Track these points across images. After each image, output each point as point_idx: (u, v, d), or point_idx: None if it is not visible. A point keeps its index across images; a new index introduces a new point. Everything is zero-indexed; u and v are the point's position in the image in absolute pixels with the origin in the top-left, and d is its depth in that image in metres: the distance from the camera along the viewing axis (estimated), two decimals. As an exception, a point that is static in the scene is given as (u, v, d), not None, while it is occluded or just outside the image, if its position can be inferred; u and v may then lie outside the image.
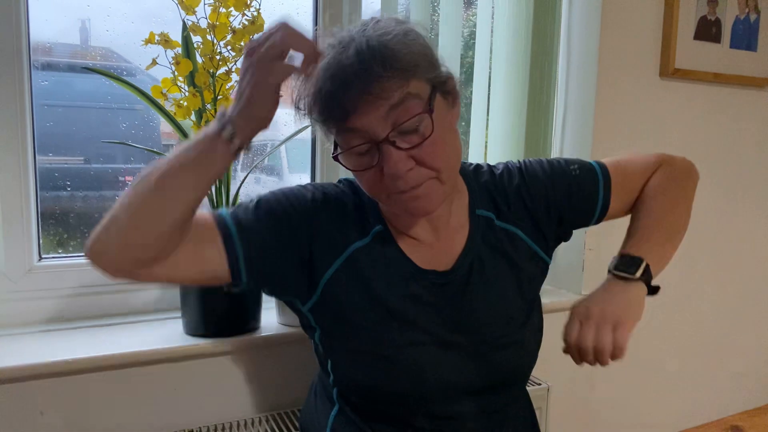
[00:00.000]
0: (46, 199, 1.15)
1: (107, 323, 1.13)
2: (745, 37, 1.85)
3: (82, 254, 1.17)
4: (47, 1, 1.10)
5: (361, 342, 0.79)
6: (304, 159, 1.38)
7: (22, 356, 0.95)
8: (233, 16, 0.99)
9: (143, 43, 0.97)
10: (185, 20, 0.99)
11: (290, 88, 0.75)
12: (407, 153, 0.71)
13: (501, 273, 0.84)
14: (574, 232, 0.94)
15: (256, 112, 0.66)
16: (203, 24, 0.98)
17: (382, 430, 0.83)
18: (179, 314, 1.11)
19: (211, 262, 0.74)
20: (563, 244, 0.95)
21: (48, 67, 1.13)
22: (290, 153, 1.42)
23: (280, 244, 0.78)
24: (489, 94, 1.48)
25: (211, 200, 1.06)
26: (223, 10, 0.98)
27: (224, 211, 0.78)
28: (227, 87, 1.02)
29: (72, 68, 1.17)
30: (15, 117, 1.05)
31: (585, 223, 0.92)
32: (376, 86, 0.67)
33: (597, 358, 0.77)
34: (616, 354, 0.76)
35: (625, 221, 0.92)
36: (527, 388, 1.02)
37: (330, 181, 0.97)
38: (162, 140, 1.26)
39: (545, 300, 0.94)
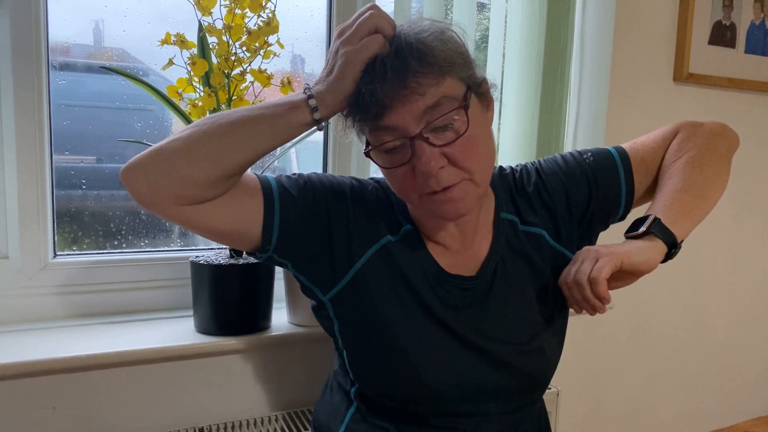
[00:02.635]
0: (61, 197, 1.16)
1: (120, 320, 1.14)
2: (760, 43, 1.84)
3: (96, 252, 1.20)
4: (65, 1, 1.12)
5: (385, 335, 0.79)
6: (316, 161, 1.39)
7: (36, 351, 0.96)
8: (248, 17, 1.00)
9: (159, 43, 0.98)
10: (201, 21, 1.00)
11: None
12: (440, 150, 0.70)
13: (524, 277, 0.83)
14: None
15: (343, 86, 0.70)
16: (219, 25, 0.99)
17: (399, 428, 0.83)
18: (191, 312, 1.12)
19: (247, 216, 0.74)
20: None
21: (66, 67, 1.15)
22: (300, 154, 1.43)
23: (316, 222, 0.78)
24: (501, 97, 1.48)
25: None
26: (238, 11, 0.99)
27: (269, 174, 0.80)
28: (242, 87, 1.03)
29: (89, 68, 1.19)
30: (33, 116, 1.07)
31: (615, 209, 0.87)
32: (412, 81, 0.68)
33: (581, 292, 0.74)
34: (592, 287, 0.72)
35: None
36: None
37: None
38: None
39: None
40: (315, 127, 0.73)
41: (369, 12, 0.71)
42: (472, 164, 0.72)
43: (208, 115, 0.74)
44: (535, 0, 1.42)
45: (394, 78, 0.68)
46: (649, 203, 0.83)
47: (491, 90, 0.78)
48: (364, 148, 0.77)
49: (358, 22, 0.71)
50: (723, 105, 1.82)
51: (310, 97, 0.71)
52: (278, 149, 1.27)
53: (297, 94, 0.72)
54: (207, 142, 0.69)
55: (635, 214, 0.84)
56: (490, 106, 0.79)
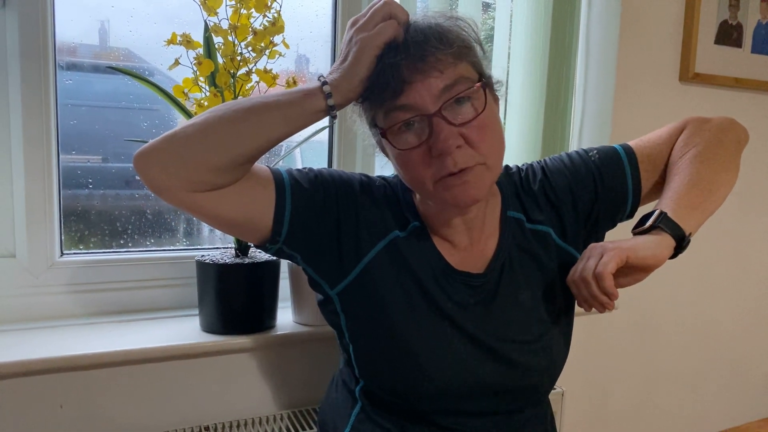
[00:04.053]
0: (68, 196, 1.17)
1: (126, 319, 1.14)
2: (766, 42, 1.83)
3: (102, 251, 1.20)
4: (72, 1, 1.13)
5: (391, 329, 0.79)
6: (321, 161, 1.39)
7: (43, 350, 0.97)
8: (254, 17, 1.01)
9: (165, 43, 0.99)
10: (207, 21, 1.00)
11: None
12: (458, 130, 0.71)
13: (531, 276, 0.83)
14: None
15: (358, 70, 0.72)
16: (224, 25, 1.00)
17: (404, 427, 0.83)
18: (196, 311, 1.12)
19: (258, 206, 0.75)
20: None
21: (72, 67, 1.15)
22: (305, 154, 1.43)
23: (326, 215, 0.79)
24: (506, 97, 1.48)
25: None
26: (244, 11, 0.99)
27: (280, 167, 0.81)
28: (247, 87, 1.03)
29: (96, 68, 1.19)
30: (41, 116, 1.07)
31: (622, 206, 0.86)
32: (432, 56, 0.70)
33: (588, 289, 0.73)
34: (599, 282, 0.71)
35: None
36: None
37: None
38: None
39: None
40: (328, 116, 0.74)
41: (382, 1, 0.73)
42: (487, 146, 0.73)
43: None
44: (541, -1, 1.42)
45: (416, 54, 0.70)
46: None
47: (496, 86, 0.79)
48: (377, 140, 0.77)
49: (372, 10, 0.72)
50: (729, 105, 1.81)
51: (324, 83, 0.72)
52: (283, 149, 1.28)
53: (311, 82, 0.73)
54: (221, 128, 0.69)
55: (644, 212, 0.84)
56: (497, 101, 0.80)
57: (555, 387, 1.27)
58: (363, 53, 0.71)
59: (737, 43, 1.77)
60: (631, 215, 0.89)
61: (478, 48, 0.76)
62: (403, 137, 0.73)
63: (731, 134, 0.85)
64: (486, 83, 0.75)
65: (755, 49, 1.81)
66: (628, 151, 0.87)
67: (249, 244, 1.12)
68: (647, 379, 1.83)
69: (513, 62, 1.46)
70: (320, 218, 0.78)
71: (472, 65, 0.74)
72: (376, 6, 0.73)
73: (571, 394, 1.57)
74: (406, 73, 0.70)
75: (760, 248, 1.98)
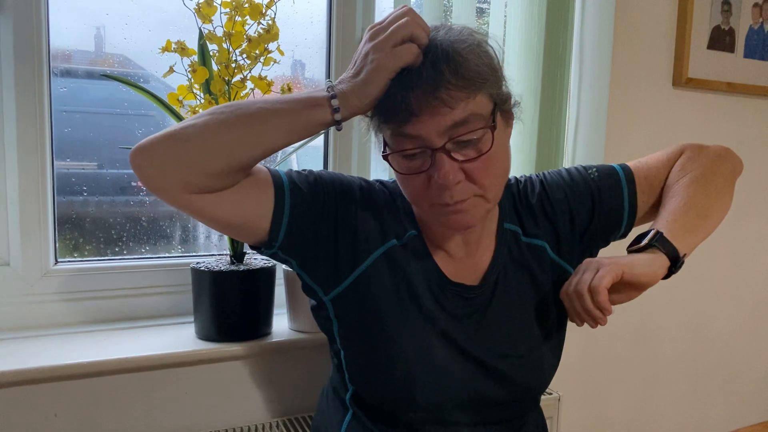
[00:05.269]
0: (63, 203, 1.16)
1: (121, 327, 1.14)
2: (759, 47, 1.84)
3: (97, 258, 1.20)
4: (67, 8, 1.13)
5: (383, 338, 0.79)
6: (316, 164, 1.39)
7: (37, 359, 0.96)
8: (248, 24, 1.01)
9: (160, 50, 0.99)
10: (201, 28, 1.00)
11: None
12: (460, 165, 0.70)
13: (525, 289, 0.83)
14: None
15: (370, 90, 0.69)
16: (219, 32, 1.00)
17: None
18: (191, 319, 1.12)
19: (257, 210, 0.74)
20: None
21: (67, 74, 1.15)
22: (301, 159, 1.43)
23: (324, 221, 0.78)
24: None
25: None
26: (238, 18, 1.00)
27: (279, 169, 0.79)
28: (242, 94, 1.03)
29: (91, 75, 1.19)
30: (35, 122, 1.07)
31: (617, 225, 0.87)
32: (444, 93, 0.67)
33: (582, 302, 0.73)
34: (593, 296, 0.72)
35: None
36: (538, 397, 1.01)
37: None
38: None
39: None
40: (333, 127, 0.72)
41: (405, 19, 0.68)
42: (487, 182, 0.72)
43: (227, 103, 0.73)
44: (535, 5, 1.43)
45: (427, 87, 0.67)
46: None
47: (514, 107, 0.78)
48: (381, 150, 0.76)
49: (392, 28, 0.68)
50: (722, 109, 1.82)
51: (332, 96, 0.69)
52: (279, 154, 1.28)
53: (319, 90, 0.71)
54: (222, 133, 0.67)
55: (637, 232, 0.84)
56: (510, 122, 0.78)
57: (552, 392, 1.27)
58: (377, 74, 0.68)
59: (730, 48, 1.78)
60: (624, 235, 0.90)
61: (496, 74, 0.73)
62: (406, 162, 0.73)
63: (727, 163, 0.87)
64: (500, 109, 0.73)
65: (748, 54, 1.82)
66: (627, 171, 0.87)
67: (244, 251, 1.12)
68: (644, 384, 1.83)
69: (507, 68, 1.47)
70: (318, 225, 0.78)
71: (488, 96, 0.71)
72: (397, 25, 0.68)
73: (568, 399, 1.57)
74: (415, 106, 0.68)
75: (756, 253, 1.99)
